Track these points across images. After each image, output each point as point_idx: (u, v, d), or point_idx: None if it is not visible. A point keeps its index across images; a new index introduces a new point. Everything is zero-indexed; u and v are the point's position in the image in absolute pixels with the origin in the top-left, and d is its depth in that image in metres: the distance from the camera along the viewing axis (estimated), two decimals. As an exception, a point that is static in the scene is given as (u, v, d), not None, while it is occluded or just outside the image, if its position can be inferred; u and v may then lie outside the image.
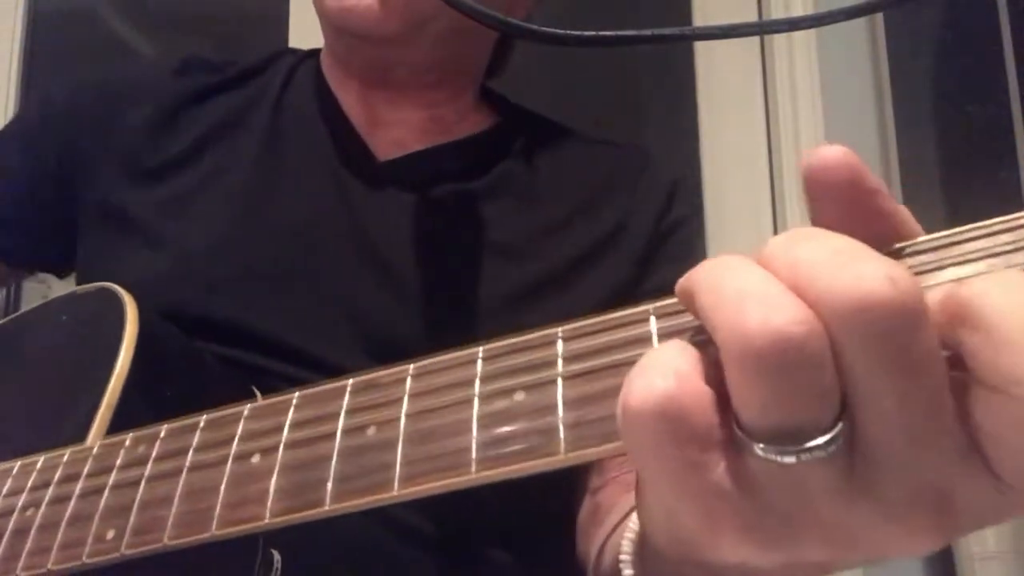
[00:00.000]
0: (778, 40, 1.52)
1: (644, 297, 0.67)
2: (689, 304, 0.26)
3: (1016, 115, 1.19)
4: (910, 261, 0.26)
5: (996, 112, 1.22)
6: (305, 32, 1.56)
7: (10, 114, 1.58)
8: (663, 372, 0.23)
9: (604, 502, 0.56)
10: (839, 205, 0.26)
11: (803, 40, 1.49)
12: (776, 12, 1.52)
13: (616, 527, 0.50)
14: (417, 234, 0.63)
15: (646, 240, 0.65)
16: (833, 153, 0.26)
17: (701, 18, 1.60)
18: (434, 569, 0.55)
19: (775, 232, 1.48)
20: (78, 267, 0.68)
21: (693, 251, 0.70)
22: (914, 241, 0.26)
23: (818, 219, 0.27)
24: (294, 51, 0.75)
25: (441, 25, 0.61)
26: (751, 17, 1.54)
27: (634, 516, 0.36)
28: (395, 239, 0.62)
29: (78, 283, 0.67)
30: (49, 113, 0.69)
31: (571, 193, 0.67)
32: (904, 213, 0.27)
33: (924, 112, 1.43)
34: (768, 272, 0.23)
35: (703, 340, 0.25)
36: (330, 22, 0.62)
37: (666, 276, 0.66)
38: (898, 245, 0.26)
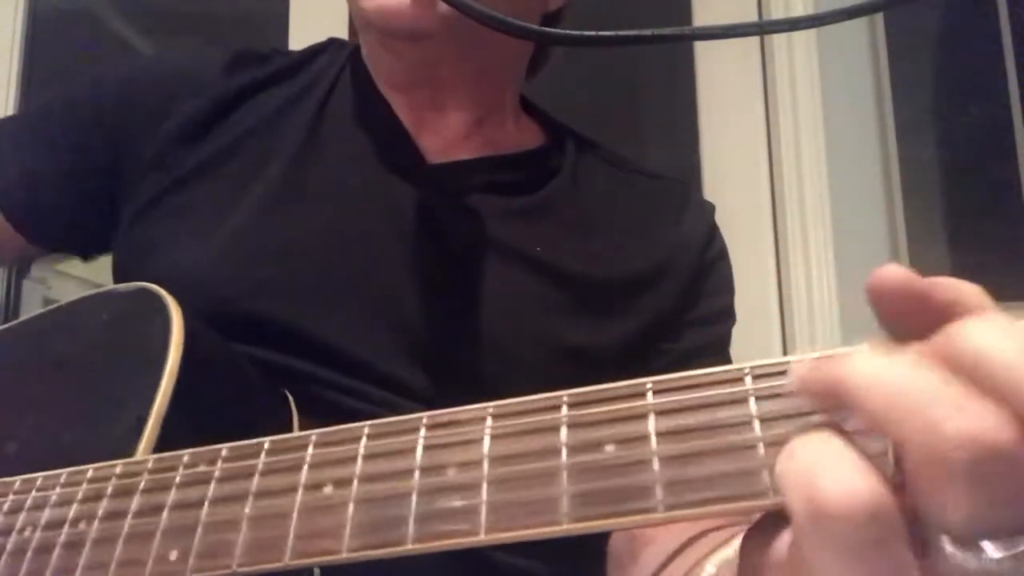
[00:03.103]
0: (778, 40, 1.52)
1: (684, 328, 0.67)
2: (832, 399, 0.24)
3: (1016, 115, 1.19)
4: None
5: (996, 112, 1.22)
6: (305, 32, 1.56)
7: (10, 113, 1.58)
8: (858, 469, 0.22)
9: (640, 535, 0.55)
10: (910, 320, 0.25)
11: (803, 40, 1.49)
12: (776, 12, 1.52)
13: (659, 571, 0.50)
14: (462, 242, 0.63)
15: (691, 272, 0.67)
16: (894, 278, 0.25)
17: (701, 18, 1.60)
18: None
19: (775, 232, 1.48)
20: (117, 256, 0.67)
21: (731, 283, 0.71)
22: None
23: (890, 333, 0.26)
24: (343, 44, 0.74)
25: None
26: (751, 17, 1.54)
27: None
28: (439, 245, 0.62)
29: (116, 270, 0.67)
30: (101, 102, 0.68)
31: (618, 221, 0.68)
32: (968, 291, 0.25)
33: (924, 112, 1.43)
34: (953, 375, 0.22)
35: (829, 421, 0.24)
36: (369, 24, 0.62)
37: (709, 308, 0.68)
38: None
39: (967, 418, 0.20)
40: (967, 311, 0.25)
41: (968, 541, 0.21)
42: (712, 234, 0.71)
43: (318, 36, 0.77)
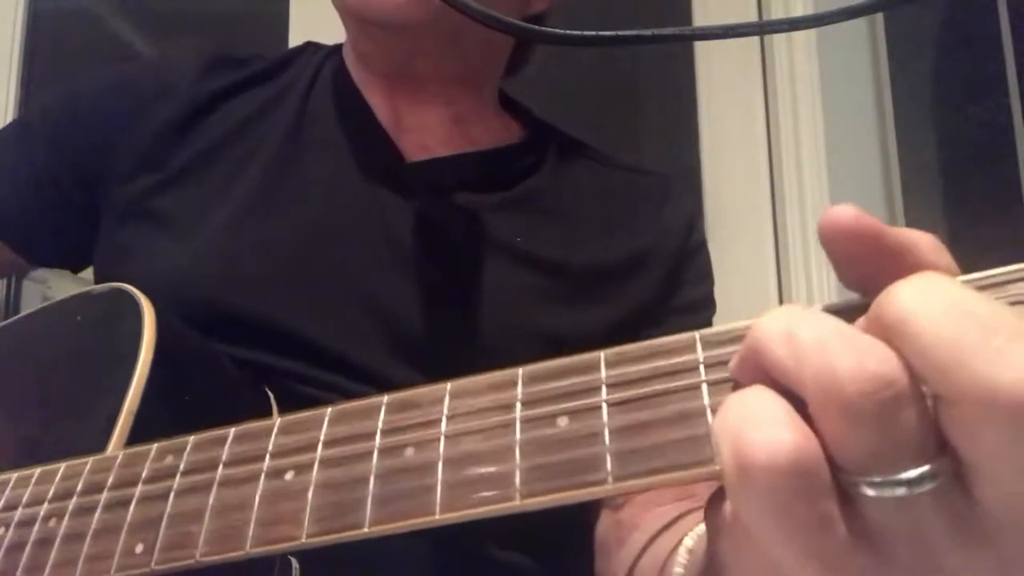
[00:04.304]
0: (778, 40, 1.52)
1: (667, 315, 0.69)
2: (754, 366, 0.24)
3: (1016, 115, 1.19)
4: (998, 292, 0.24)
5: (996, 112, 1.22)
6: (305, 32, 1.55)
7: (10, 114, 1.58)
8: (783, 423, 0.22)
9: (626, 520, 0.55)
10: (862, 265, 0.25)
11: (803, 40, 1.49)
12: (776, 12, 1.52)
13: (643, 551, 0.50)
14: (444, 237, 0.63)
15: (672, 261, 0.68)
16: (844, 218, 0.25)
17: (701, 18, 1.60)
18: (452, 571, 0.55)
19: (775, 232, 1.48)
20: (97, 262, 0.67)
21: (711, 272, 0.72)
22: (988, 274, 0.24)
23: (843, 277, 0.26)
24: (319, 46, 0.74)
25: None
26: (751, 17, 1.54)
27: (679, 561, 0.35)
28: (422, 240, 0.62)
29: (96, 277, 0.66)
30: (77, 110, 0.68)
31: (599, 212, 0.68)
32: (925, 243, 0.25)
33: (924, 112, 1.43)
34: (844, 325, 0.22)
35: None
36: (355, 14, 0.62)
37: (691, 295, 0.69)
38: (973, 277, 0.24)
39: (856, 354, 0.21)
40: (919, 259, 0.25)
41: (885, 483, 0.21)
42: (692, 224, 0.72)
43: (318, 36, 0.77)
